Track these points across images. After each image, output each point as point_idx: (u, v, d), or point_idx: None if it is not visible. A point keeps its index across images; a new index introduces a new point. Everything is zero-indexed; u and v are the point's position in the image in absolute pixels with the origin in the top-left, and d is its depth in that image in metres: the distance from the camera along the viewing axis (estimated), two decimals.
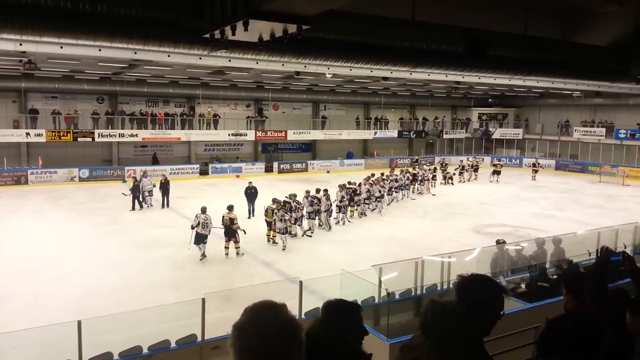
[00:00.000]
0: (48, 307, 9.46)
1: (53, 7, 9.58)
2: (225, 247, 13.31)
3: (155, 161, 29.86)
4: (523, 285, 9.24)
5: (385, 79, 23.89)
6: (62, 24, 10.62)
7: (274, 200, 14.91)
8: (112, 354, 6.44)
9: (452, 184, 27.37)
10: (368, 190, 18.55)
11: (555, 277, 9.03)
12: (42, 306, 9.61)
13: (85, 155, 27.30)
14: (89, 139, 26.49)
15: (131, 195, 18.73)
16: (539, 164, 31.48)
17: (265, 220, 14.95)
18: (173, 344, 6.82)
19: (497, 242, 10.55)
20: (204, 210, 13.33)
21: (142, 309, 7.73)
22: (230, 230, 13.20)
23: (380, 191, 19.01)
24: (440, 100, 39.07)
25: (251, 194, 17.88)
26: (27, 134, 25.20)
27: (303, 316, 7.59)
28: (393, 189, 20.99)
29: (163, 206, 19.39)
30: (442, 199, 22.74)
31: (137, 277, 11.59)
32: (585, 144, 34.97)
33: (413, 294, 8.83)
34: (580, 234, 12.05)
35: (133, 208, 18.64)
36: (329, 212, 16.53)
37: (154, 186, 19.66)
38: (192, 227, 13.05)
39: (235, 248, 13.37)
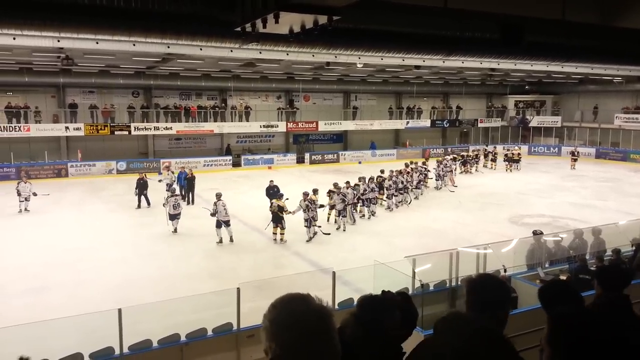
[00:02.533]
0: (88, 296, 9.78)
1: (89, 4, 9.80)
2: (274, 233, 14.03)
3: (228, 151, 30.80)
4: (563, 277, 8.99)
5: (417, 67, 23.55)
6: (98, 20, 10.88)
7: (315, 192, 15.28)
8: (151, 341, 6.61)
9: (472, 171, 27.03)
10: (394, 182, 18.21)
11: (595, 269, 8.77)
12: (83, 295, 9.93)
13: (122, 148, 27.99)
14: (126, 132, 27.15)
15: (138, 192, 17.94)
16: (578, 152, 30.52)
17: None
18: (210, 332, 6.95)
19: (534, 232, 10.31)
20: (219, 196, 14.11)
21: (178, 298, 7.91)
22: (278, 217, 13.84)
23: (403, 182, 18.56)
24: (474, 88, 38.25)
25: (273, 193, 15.94)
26: (67, 128, 26.02)
27: (336, 307, 7.60)
28: (421, 182, 20.41)
29: (188, 203, 18.76)
30: (477, 189, 22.34)
31: (173, 267, 11.86)
32: (627, 131, 33.66)
33: (448, 285, 8.71)
34: (622, 224, 11.60)
35: (139, 206, 17.94)
36: (353, 205, 16.18)
37: (174, 181, 19.23)
38: (212, 215, 13.80)
39: (280, 234, 13.97)
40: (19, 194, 16.90)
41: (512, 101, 40.36)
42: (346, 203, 15.65)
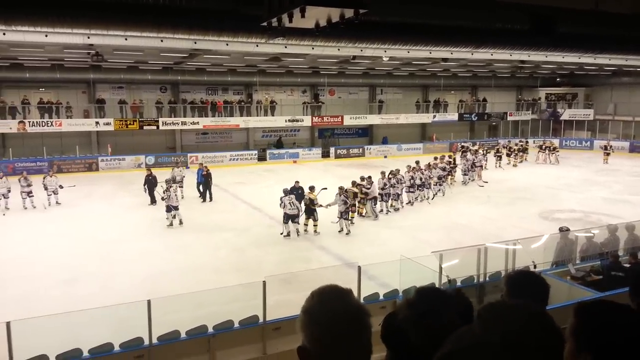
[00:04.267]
0: (118, 287, 9.99)
1: (118, 1, 9.96)
2: (305, 225, 14.14)
3: (279, 144, 31.33)
4: (594, 274, 8.77)
5: (444, 60, 23.21)
6: (127, 17, 11.08)
7: (354, 184, 15.48)
8: (179, 332, 6.71)
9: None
10: (412, 178, 17.87)
11: (629, 265, 8.52)
12: (113, 286, 10.16)
13: (150, 142, 28.47)
14: (154, 127, 27.61)
15: (147, 189, 17.64)
16: (611, 146, 29.60)
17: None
18: (236, 324, 7.02)
19: (560, 229, 10.11)
20: (286, 191, 14.11)
21: (206, 290, 8.01)
22: (310, 209, 14.03)
23: (421, 179, 18.14)
24: (504, 80, 37.48)
25: (299, 195, 14.75)
26: (97, 123, 26.61)
27: (362, 301, 7.58)
28: (442, 178, 19.60)
29: (204, 200, 18.54)
30: (507, 184, 21.93)
31: (201, 260, 12.01)
32: None
33: (475, 281, 8.59)
34: None
35: (152, 202, 17.50)
36: (374, 200, 15.94)
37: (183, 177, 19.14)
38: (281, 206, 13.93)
39: (314, 226, 14.17)
40: (45, 188, 17.32)
41: (543, 94, 39.40)
42: (370, 197, 15.60)
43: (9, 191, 16.96)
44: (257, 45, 16.09)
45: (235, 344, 6.95)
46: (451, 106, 36.38)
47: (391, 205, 16.80)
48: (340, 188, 14.56)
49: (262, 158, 29.67)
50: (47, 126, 25.34)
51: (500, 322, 1.46)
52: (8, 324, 5.87)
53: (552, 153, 28.54)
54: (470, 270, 8.52)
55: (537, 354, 1.29)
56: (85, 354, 6.21)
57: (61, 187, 17.39)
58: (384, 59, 22.43)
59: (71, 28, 11.64)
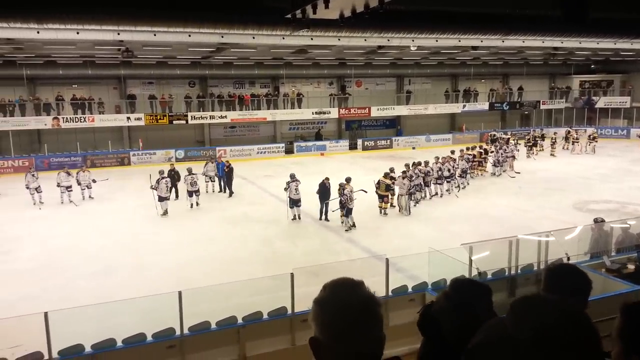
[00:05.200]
0: (150, 278, 10.20)
1: None
2: (341, 216, 14.09)
3: (318, 137, 31.66)
4: (631, 266, 8.49)
5: (474, 48, 22.71)
6: (154, 13, 11.23)
7: (386, 175, 15.40)
8: (209, 322, 6.81)
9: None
10: (440, 169, 17.56)
11: None
12: (145, 277, 10.38)
13: (180, 136, 28.90)
14: (183, 122, 28.01)
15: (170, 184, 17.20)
16: None
17: (378, 193, 15.24)
18: (265, 316, 7.08)
19: (595, 220, 9.84)
20: (292, 177, 15.03)
21: (235, 281, 8.10)
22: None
23: (449, 170, 17.80)
24: (536, 68, 36.44)
25: (325, 191, 14.65)
26: (128, 118, 27.16)
27: (390, 293, 7.55)
28: (466, 170, 19.09)
29: (221, 191, 18.59)
30: (539, 174, 21.41)
31: (230, 251, 12.16)
32: None
33: (507, 274, 8.43)
34: None
35: (177, 197, 17.54)
36: (410, 195, 15.46)
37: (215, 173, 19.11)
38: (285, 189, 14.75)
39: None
40: (79, 183, 17.77)
41: (577, 81, 38.20)
42: (404, 192, 15.19)
43: (94, 182, 17.61)
44: (283, 38, 16.11)
45: (264, 335, 7.01)
46: (481, 95, 35.63)
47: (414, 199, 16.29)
48: (340, 185, 14.27)
49: (289, 151, 29.76)
50: (80, 122, 26.01)
51: (532, 318, 1.41)
52: (46, 314, 6.06)
53: (590, 142, 27.70)
54: (501, 263, 8.36)
55: (570, 354, 1.24)
56: (119, 343, 6.36)
57: (94, 181, 17.82)
58: (412, 48, 22.10)
59: (100, 25, 11.88)
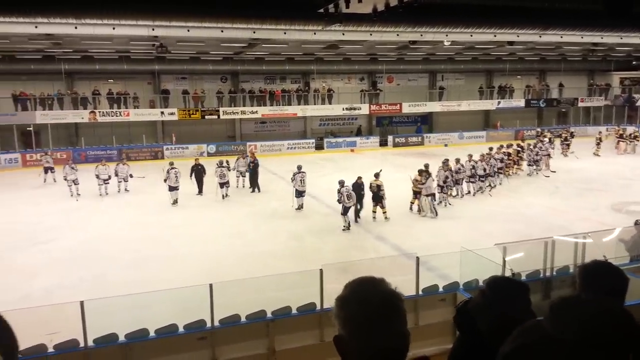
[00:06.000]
0: (182, 270, 10.36)
1: None
2: (373, 212, 14.14)
3: (359, 132, 32.02)
4: None
5: (510, 43, 22.22)
6: (188, 8, 11.38)
7: (420, 172, 15.18)
8: (239, 315, 6.87)
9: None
10: (473, 167, 17.15)
11: None
12: (177, 269, 10.55)
13: (211, 131, 29.27)
14: (215, 117, 28.35)
15: (195, 178, 17.75)
16: None
17: (414, 190, 15.08)
18: (294, 311, 7.10)
19: (636, 222, 9.48)
20: (299, 168, 15.87)
21: (264, 276, 8.14)
22: (377, 196, 14.00)
23: (485, 169, 17.37)
24: (574, 64, 35.36)
25: (358, 188, 14.13)
26: (162, 112, 27.69)
27: (420, 292, 7.45)
28: (499, 169, 18.46)
29: (253, 190, 18.44)
30: (576, 174, 20.76)
31: (259, 246, 12.24)
32: None
33: (542, 275, 8.22)
34: None
35: (200, 191, 17.75)
36: (433, 195, 14.85)
37: (246, 168, 18.97)
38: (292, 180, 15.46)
39: (383, 212, 14.15)
40: (116, 174, 18.23)
41: (617, 78, 36.85)
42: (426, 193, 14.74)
43: (131, 176, 18.13)
44: (314, 33, 16.09)
45: (293, 329, 7.03)
46: (517, 92, 34.77)
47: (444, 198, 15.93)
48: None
49: (319, 146, 29.76)
50: (116, 116, 26.63)
51: (574, 318, 1.36)
52: (82, 303, 6.22)
53: (631, 142, 26.70)
54: (536, 264, 8.17)
55: (616, 352, 1.20)
56: (152, 334, 6.48)
57: (131, 176, 18.22)
58: (445, 43, 21.77)
59: (136, 20, 12.11)
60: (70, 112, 26.14)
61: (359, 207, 14.16)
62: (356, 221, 14.01)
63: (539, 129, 28.75)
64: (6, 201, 17.18)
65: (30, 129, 25.36)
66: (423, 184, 14.64)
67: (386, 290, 1.37)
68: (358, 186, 14.13)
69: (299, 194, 15.52)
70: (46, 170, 20.47)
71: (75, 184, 17.81)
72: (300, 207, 15.46)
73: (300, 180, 15.47)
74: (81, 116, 26.22)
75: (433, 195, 14.80)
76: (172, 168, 16.54)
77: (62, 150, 25.25)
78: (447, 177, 15.80)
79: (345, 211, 13.50)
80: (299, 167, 15.97)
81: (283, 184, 19.64)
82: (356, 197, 13.77)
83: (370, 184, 14.24)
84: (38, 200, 17.34)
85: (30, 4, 10.26)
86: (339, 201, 13.59)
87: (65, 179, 17.78)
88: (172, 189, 16.39)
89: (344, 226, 13.49)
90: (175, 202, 16.43)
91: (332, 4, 8.86)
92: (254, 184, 18.57)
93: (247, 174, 18.98)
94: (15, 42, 21.13)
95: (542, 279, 8.15)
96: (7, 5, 10.27)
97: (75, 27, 12.85)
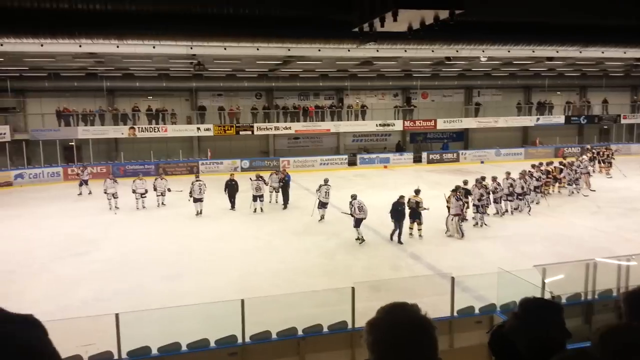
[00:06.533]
0: (214, 285, 10.44)
1: (217, 14, 10.46)
2: (410, 228, 14.01)
3: (400, 148, 32.16)
4: None
5: (549, 59, 21.76)
6: (225, 29, 11.62)
7: (457, 188, 14.98)
8: (270, 332, 6.84)
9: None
10: (511, 185, 16.68)
11: None
12: (209, 283, 10.63)
13: (245, 147, 29.69)
14: (249, 132, 28.76)
15: (228, 193, 18.08)
16: None
17: (449, 207, 14.79)
18: (325, 329, 7.02)
19: None
20: (326, 180, 16.46)
21: (296, 292, 8.11)
22: (416, 212, 13.93)
23: (522, 187, 16.87)
24: (616, 80, 34.28)
25: (399, 211, 13.74)
26: (198, 128, 28.28)
27: (455, 314, 7.26)
28: (537, 188, 17.93)
29: (285, 207, 18.47)
30: (620, 193, 19.97)
31: (291, 262, 12.22)
32: None
33: (583, 299, 7.88)
34: None
35: (233, 206, 18.02)
36: (460, 216, 14.30)
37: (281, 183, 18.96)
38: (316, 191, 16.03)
39: (418, 230, 14.04)
40: (155, 189, 18.66)
41: None
42: (454, 213, 14.24)
43: (169, 190, 18.49)
44: (348, 50, 16.17)
45: (324, 348, 6.95)
46: (557, 108, 33.90)
47: (482, 218, 15.33)
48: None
49: (352, 163, 29.72)
50: (155, 132, 27.34)
51: (625, 347, 1.33)
52: (117, 316, 6.33)
53: None
54: (576, 287, 7.86)
55: None
56: (184, 348, 6.52)
57: (169, 190, 18.63)
58: (482, 59, 21.51)
59: (175, 40, 12.47)
60: (111, 127, 27.02)
61: (398, 228, 13.62)
62: (400, 242, 13.50)
63: (588, 146, 27.65)
64: (49, 213, 17.81)
65: (72, 144, 26.32)
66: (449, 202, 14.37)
67: (417, 317, 1.36)
68: (399, 205, 13.70)
69: (322, 205, 16.15)
70: (81, 183, 21.36)
71: (114, 198, 18.31)
72: (321, 218, 16.07)
73: (325, 192, 16.12)
74: (121, 132, 27.05)
75: (459, 215, 14.26)
76: (197, 180, 17.42)
77: (102, 165, 26.11)
78: (481, 195, 15.36)
79: (357, 224, 13.76)
80: (326, 180, 16.55)
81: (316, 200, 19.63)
82: (397, 217, 13.49)
83: (409, 199, 14.07)
84: (78, 213, 17.89)
85: (75, 26, 10.72)
86: (351, 214, 13.89)
87: (106, 192, 18.30)
88: (197, 200, 17.18)
89: (357, 238, 13.69)
90: (199, 212, 17.14)
91: (367, 23, 8.87)
92: (285, 200, 18.66)
93: (280, 190, 19.08)
94: (60, 60, 22.10)
95: (583, 302, 7.83)
96: (54, 28, 10.76)
97: (117, 46, 13.34)
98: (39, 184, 24.03)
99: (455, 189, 14.72)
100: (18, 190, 23.10)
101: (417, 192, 14.28)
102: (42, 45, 13.17)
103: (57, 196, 20.94)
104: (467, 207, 15.30)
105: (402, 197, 13.89)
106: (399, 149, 32.03)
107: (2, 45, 12.80)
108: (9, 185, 23.80)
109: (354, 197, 14.18)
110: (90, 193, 20.85)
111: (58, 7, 9.50)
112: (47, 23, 10.49)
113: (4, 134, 24.60)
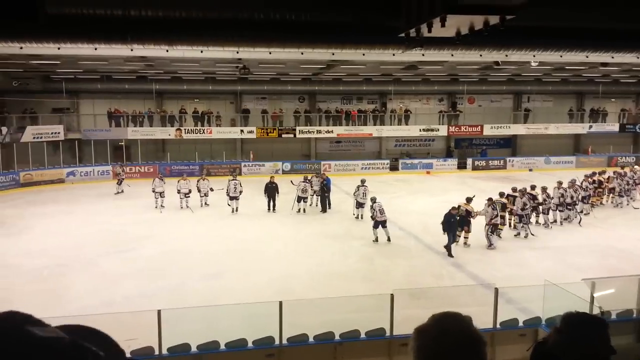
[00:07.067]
0: (253, 285, 10.54)
1: (264, 19, 10.58)
2: (458, 236, 13.74)
3: (449, 153, 32.16)
4: None
5: (604, 65, 20.84)
6: (271, 35, 11.75)
7: (502, 195, 14.94)
8: (307, 335, 6.84)
9: None
10: (562, 195, 16.05)
11: None
12: (249, 283, 10.74)
13: (287, 149, 29.92)
14: (291, 135, 28.98)
15: (267, 195, 18.35)
16: None
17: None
18: (362, 335, 6.95)
19: None
20: (363, 181, 17.19)
21: (334, 297, 8.07)
22: (465, 221, 13.74)
23: (572, 197, 16.21)
24: None
25: (452, 222, 13.23)
26: (242, 131, 28.75)
27: (498, 326, 7.04)
28: (585, 198, 17.15)
29: (323, 211, 18.47)
30: None
31: (329, 266, 12.20)
32: None
33: (635, 315, 7.49)
34: None
35: (269, 209, 18.30)
36: (492, 225, 13.71)
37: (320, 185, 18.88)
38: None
39: (464, 237, 13.81)
40: (198, 190, 19.09)
41: None
42: (488, 222, 13.70)
43: (212, 190, 18.97)
44: (393, 55, 16.03)
45: (360, 354, 6.89)
46: (611, 115, 32.49)
47: (527, 228, 14.74)
48: (489, 199, 14.09)
49: (394, 167, 29.44)
50: (200, 133, 28.01)
51: None
52: (159, 312, 6.49)
53: None
54: (628, 303, 7.50)
55: None
56: (222, 346, 6.60)
57: (212, 189, 19.04)
58: (533, 64, 20.80)
59: (222, 47, 12.74)
60: (159, 129, 27.86)
61: (452, 239, 13.04)
62: (451, 255, 12.81)
63: None
64: (98, 210, 18.53)
65: (122, 144, 27.30)
66: (478, 212, 13.87)
67: (468, 329, 1.31)
68: (451, 217, 13.11)
69: (360, 205, 16.82)
70: (120, 182, 22.31)
71: (161, 197, 18.87)
72: (359, 217, 16.74)
73: (363, 193, 16.72)
74: (168, 133, 27.83)
75: (493, 225, 13.73)
76: (232, 180, 18.42)
77: (149, 164, 26.95)
78: (524, 205, 14.75)
79: (376, 225, 14.06)
80: (363, 181, 17.22)
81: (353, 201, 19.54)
82: (449, 228, 12.95)
83: (459, 206, 13.73)
84: (125, 210, 18.50)
85: (128, 32, 11.13)
86: (372, 217, 14.17)
87: (154, 191, 18.87)
88: (232, 198, 18.12)
89: (375, 239, 14.06)
90: (234, 210, 18.04)
91: (414, 29, 8.73)
92: (323, 204, 18.67)
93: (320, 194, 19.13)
94: (112, 63, 22.98)
95: (634, 319, 7.44)
96: (108, 33, 11.21)
97: (167, 51, 13.73)
98: (89, 182, 25.07)
99: (490, 199, 14.15)
100: (70, 187, 24.17)
101: (469, 200, 13.99)
102: (95, 49, 13.73)
103: (107, 194, 21.75)
104: (501, 220, 14.60)
105: (454, 208, 13.37)
106: (449, 154, 31.51)
107: (59, 49, 13.40)
108: (62, 183, 24.92)
109: (373, 200, 14.46)
110: (122, 192, 21.79)
111: (112, 13, 9.89)
112: (101, 28, 10.93)
113: (58, 133, 25.78)
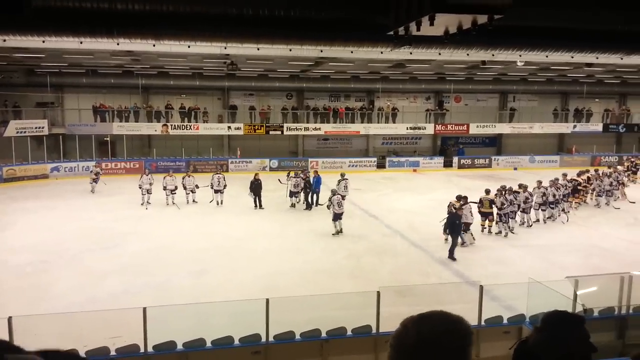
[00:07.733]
0: (239, 283, 10.51)
1: (253, 15, 10.54)
2: (481, 225, 14.62)
3: (442, 152, 32.17)
4: None
5: (588, 65, 21.11)
6: (259, 31, 11.71)
7: (488, 192, 14.95)
8: (294, 332, 6.84)
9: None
10: (543, 194, 16.21)
11: None
12: (236, 281, 10.71)
13: (275, 146, 29.86)
14: (279, 132, 28.93)
15: (252, 192, 18.22)
16: None
17: (481, 211, 14.73)
18: (349, 332, 6.98)
19: None
20: (343, 175, 17.61)
21: (321, 294, 8.08)
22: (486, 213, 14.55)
23: (554, 195, 16.38)
24: None
25: (455, 222, 12.86)
26: (229, 127, 28.61)
27: (483, 323, 7.11)
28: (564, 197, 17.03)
29: (306, 208, 18.50)
30: None
31: (316, 263, 12.21)
32: None
33: (616, 313, 7.62)
34: None
35: (255, 206, 18.24)
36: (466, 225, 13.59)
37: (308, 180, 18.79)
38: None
39: (488, 225, 14.70)
40: (184, 187, 18.95)
41: None
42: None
43: (151, 184, 18.78)
44: (381, 52, 16.07)
45: (347, 351, 6.91)
46: (595, 115, 32.98)
47: (507, 227, 14.86)
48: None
49: (381, 165, 29.55)
50: (187, 129, 27.81)
51: None
52: (144, 310, 6.43)
53: None
54: (610, 301, 7.62)
55: None
56: (208, 344, 6.58)
57: (197, 186, 18.93)
58: (519, 64, 21.01)
59: (210, 42, 12.65)
60: (145, 124, 27.58)
61: (456, 242, 12.78)
62: (454, 259, 12.42)
63: (633, 159, 26.40)
64: (82, 206, 18.32)
65: (107, 139, 27.00)
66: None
67: (455, 328, 1.29)
68: (456, 218, 12.82)
69: (342, 198, 16.34)
70: (95, 180, 21.30)
71: (148, 193, 18.73)
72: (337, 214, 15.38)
73: (344, 186, 17.28)
74: (154, 128, 27.58)
75: (467, 225, 13.61)
76: (217, 174, 19.03)
77: (135, 160, 26.69)
78: (502, 204, 14.74)
79: (335, 217, 14.59)
80: (343, 175, 18.01)
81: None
82: (452, 230, 12.75)
83: (451, 204, 13.55)
84: (110, 206, 18.31)
85: (114, 26, 11.00)
86: (328, 207, 14.95)
87: (140, 187, 18.70)
88: (216, 191, 18.60)
89: (334, 232, 14.52)
90: (219, 203, 18.51)
91: (403, 27, 8.77)
92: (307, 201, 18.64)
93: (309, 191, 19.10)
94: (98, 57, 22.68)
95: (616, 317, 7.58)
96: (93, 27, 11.07)
97: (154, 45, 13.59)
98: (74, 177, 24.74)
99: (464, 197, 14.07)
100: (54, 182, 23.87)
101: (459, 198, 14.04)
102: (81, 43, 13.53)
103: (91, 190, 21.47)
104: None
105: (458, 209, 13.15)
106: (442, 152, 31.74)
107: (43, 42, 13.20)
108: (45, 178, 24.61)
109: (333, 192, 15.13)
110: (93, 192, 20.99)
111: (99, 6, 9.76)
112: (87, 22, 10.78)
113: (42, 127, 25.42)
